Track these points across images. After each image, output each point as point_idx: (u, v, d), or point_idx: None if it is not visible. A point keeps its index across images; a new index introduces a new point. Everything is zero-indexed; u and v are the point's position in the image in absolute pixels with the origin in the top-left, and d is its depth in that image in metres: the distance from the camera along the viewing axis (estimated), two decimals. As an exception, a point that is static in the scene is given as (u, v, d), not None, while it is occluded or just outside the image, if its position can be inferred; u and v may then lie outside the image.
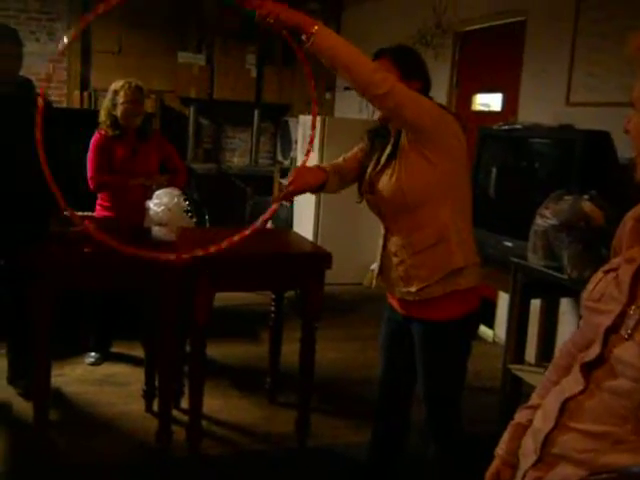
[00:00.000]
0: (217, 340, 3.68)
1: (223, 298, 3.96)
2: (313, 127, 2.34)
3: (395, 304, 2.26)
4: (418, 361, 2.20)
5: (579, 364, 1.12)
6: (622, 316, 1.07)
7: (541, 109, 4.10)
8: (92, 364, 3.77)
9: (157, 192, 2.73)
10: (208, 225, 5.83)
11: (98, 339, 3.85)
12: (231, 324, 4.52)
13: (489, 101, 5.07)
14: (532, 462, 1.14)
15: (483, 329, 4.66)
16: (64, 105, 6.63)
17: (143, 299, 3.30)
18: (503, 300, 4.20)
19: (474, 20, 4.95)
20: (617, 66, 3.62)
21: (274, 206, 2.27)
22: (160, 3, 6.87)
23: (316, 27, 1.90)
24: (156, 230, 2.98)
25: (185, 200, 2.82)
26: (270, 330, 3.44)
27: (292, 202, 2.34)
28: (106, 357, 3.85)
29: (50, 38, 6.69)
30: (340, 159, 2.34)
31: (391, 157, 2.12)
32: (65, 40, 2.15)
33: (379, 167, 2.16)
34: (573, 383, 1.12)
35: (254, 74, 7.13)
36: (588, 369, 1.10)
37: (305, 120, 6.04)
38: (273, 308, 3.40)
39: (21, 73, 3.23)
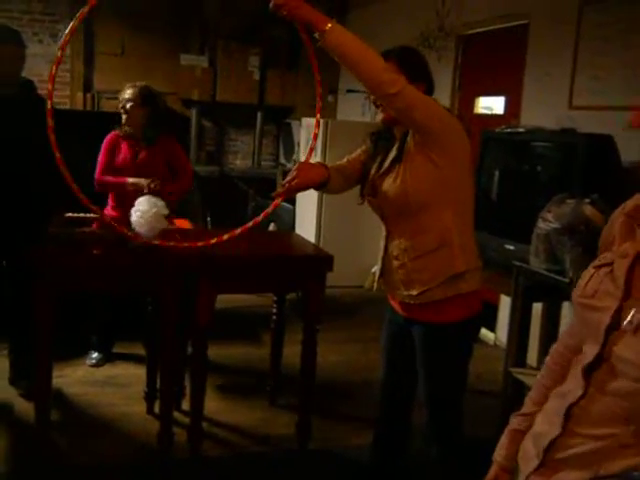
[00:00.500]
0: (218, 342, 3.68)
1: (225, 300, 3.96)
2: (317, 125, 2.34)
3: (396, 306, 2.26)
4: (419, 363, 2.20)
5: (580, 367, 1.12)
6: (619, 311, 1.07)
7: (544, 112, 4.10)
8: (94, 365, 3.77)
9: (138, 199, 2.81)
10: (210, 227, 5.83)
11: (100, 339, 3.85)
12: (232, 326, 4.51)
13: (492, 104, 5.08)
14: (534, 467, 1.13)
15: (485, 332, 4.66)
16: (67, 107, 6.64)
17: (145, 300, 3.30)
18: (505, 303, 4.19)
19: (477, 23, 4.96)
20: (620, 70, 3.63)
21: (276, 200, 2.28)
22: (163, 5, 6.88)
23: (329, 25, 1.91)
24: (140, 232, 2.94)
25: (167, 207, 2.89)
26: (271, 332, 3.44)
27: (290, 198, 2.38)
28: (108, 358, 3.85)
29: (53, 40, 6.70)
30: (344, 160, 2.34)
31: (396, 161, 2.12)
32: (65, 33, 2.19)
33: (383, 170, 2.16)
34: (574, 388, 1.12)
35: (257, 76, 7.13)
36: (588, 371, 1.10)
37: (308, 123, 6.04)
38: (275, 310, 3.40)
39: (24, 74, 3.24)
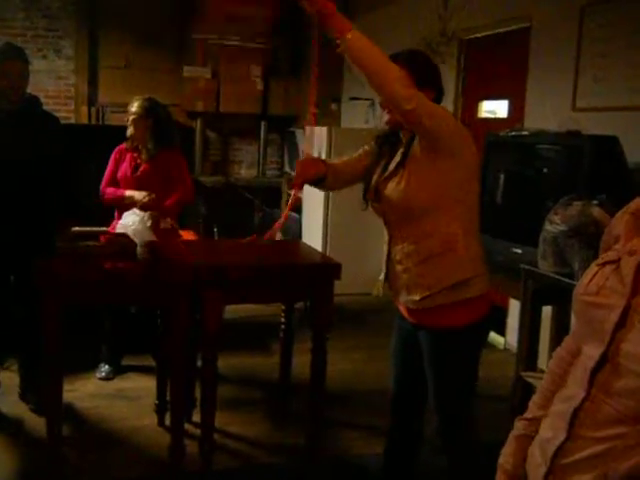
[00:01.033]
0: (228, 352, 3.67)
1: (233, 310, 3.95)
2: (294, 186, 2.38)
3: (404, 312, 2.25)
4: (427, 369, 2.19)
5: (584, 370, 1.11)
6: (627, 309, 1.06)
7: (547, 115, 4.09)
8: (104, 378, 3.77)
9: (125, 213, 2.86)
10: (217, 237, 5.84)
11: (110, 352, 3.85)
12: (242, 336, 4.51)
13: (495, 108, 5.07)
14: (543, 474, 1.12)
15: (494, 336, 4.64)
16: (72, 121, 6.68)
17: (154, 313, 3.30)
18: (514, 307, 4.17)
19: (479, 27, 4.96)
20: (623, 70, 3.62)
21: (296, 193, 2.34)
22: (166, 17, 6.92)
23: (349, 35, 1.91)
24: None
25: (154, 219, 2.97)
26: (280, 342, 3.43)
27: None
28: (118, 371, 3.85)
29: (57, 55, 6.75)
30: (347, 158, 2.35)
31: (400, 165, 2.11)
32: None
33: (387, 174, 2.15)
34: (578, 391, 1.11)
35: (260, 86, 7.15)
36: (593, 373, 1.09)
37: (311, 131, 6.05)
38: (283, 319, 3.39)
39: (29, 90, 3.26)
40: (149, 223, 2.87)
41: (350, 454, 3.08)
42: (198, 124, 7.14)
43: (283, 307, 3.40)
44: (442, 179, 2.04)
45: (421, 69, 2.11)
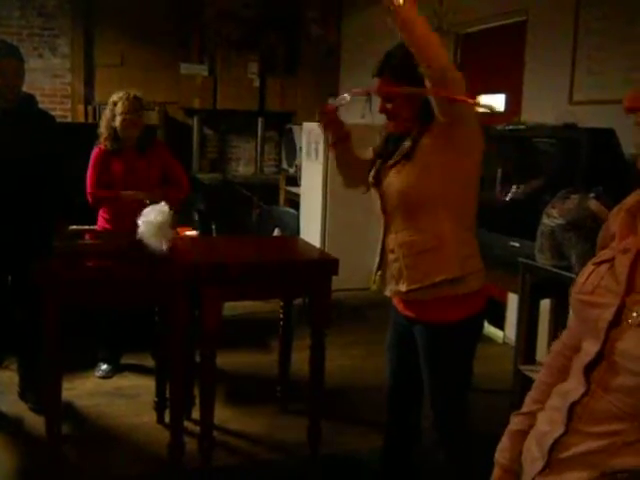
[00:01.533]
0: (227, 349, 3.67)
1: (232, 307, 3.95)
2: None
3: (399, 307, 2.24)
4: (423, 364, 2.19)
5: (581, 366, 1.11)
6: (622, 307, 1.06)
7: (544, 109, 4.08)
8: (103, 377, 3.78)
9: (145, 209, 2.82)
10: (215, 234, 5.83)
11: (108, 351, 3.85)
12: (240, 333, 4.51)
13: (492, 102, 5.06)
14: (540, 468, 1.12)
15: (493, 330, 4.64)
16: (68, 120, 6.66)
17: (153, 310, 3.30)
18: (512, 301, 4.18)
19: (475, 22, 4.95)
20: (619, 63, 3.61)
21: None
22: (161, 16, 6.91)
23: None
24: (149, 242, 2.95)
25: (175, 214, 2.91)
26: (279, 338, 3.43)
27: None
28: (117, 369, 3.85)
29: (53, 53, 6.73)
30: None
31: (405, 157, 2.09)
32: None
33: (391, 162, 2.14)
34: (575, 386, 1.11)
35: (257, 83, 7.14)
36: (589, 370, 1.09)
37: (309, 127, 6.05)
38: (282, 316, 3.39)
39: (24, 89, 3.25)
40: (171, 219, 2.84)
41: (349, 449, 3.08)
42: (195, 121, 7.13)
43: (282, 303, 3.40)
44: (445, 177, 2.03)
45: (413, 77, 2.01)
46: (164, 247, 2.68)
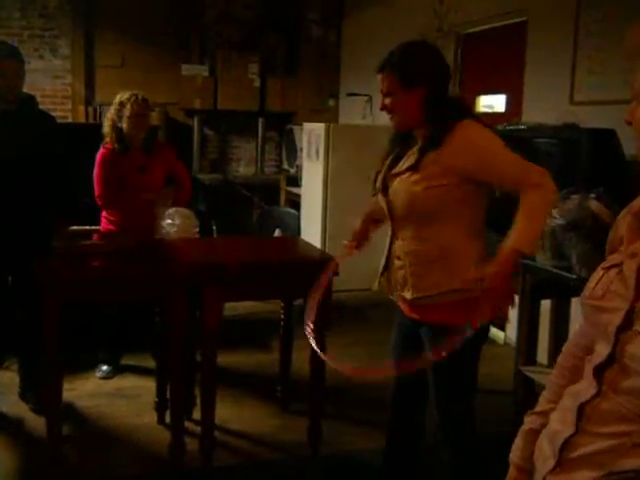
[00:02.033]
0: (227, 350, 3.67)
1: (232, 307, 3.95)
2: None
3: (405, 308, 2.24)
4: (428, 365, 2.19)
5: (591, 367, 1.11)
6: (631, 312, 1.06)
7: (545, 109, 4.08)
8: (103, 377, 3.77)
9: (169, 211, 2.82)
10: (215, 235, 5.83)
11: (109, 351, 3.85)
12: (241, 334, 4.51)
13: (493, 102, 5.07)
14: (551, 467, 1.12)
15: (494, 331, 4.64)
16: (69, 120, 6.67)
17: (153, 311, 3.30)
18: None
19: (475, 22, 4.95)
20: (620, 63, 3.61)
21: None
22: (161, 17, 6.91)
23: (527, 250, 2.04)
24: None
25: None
26: (280, 338, 3.43)
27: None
28: (117, 370, 3.85)
29: (53, 54, 6.74)
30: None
31: (411, 168, 2.08)
32: None
33: (396, 170, 2.13)
34: (586, 387, 1.11)
35: (257, 83, 7.14)
36: (599, 371, 1.09)
37: (309, 128, 6.04)
38: (282, 316, 3.39)
39: (25, 90, 3.26)
40: (195, 225, 2.87)
41: (351, 449, 3.08)
42: (196, 122, 7.13)
43: (282, 304, 3.40)
44: (449, 194, 2.03)
45: (406, 72, 2.05)
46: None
